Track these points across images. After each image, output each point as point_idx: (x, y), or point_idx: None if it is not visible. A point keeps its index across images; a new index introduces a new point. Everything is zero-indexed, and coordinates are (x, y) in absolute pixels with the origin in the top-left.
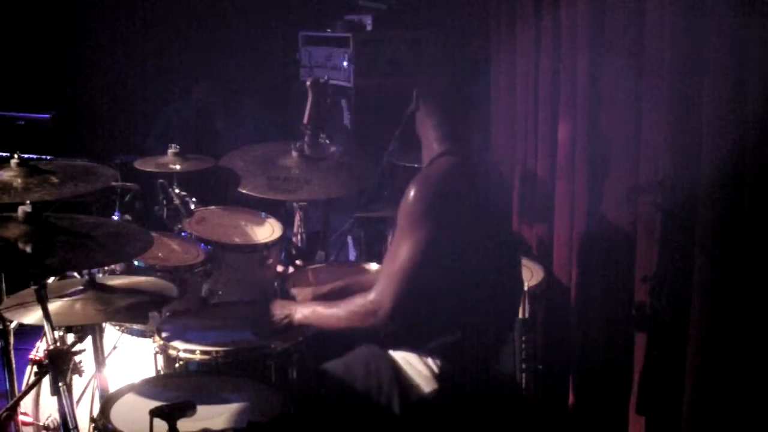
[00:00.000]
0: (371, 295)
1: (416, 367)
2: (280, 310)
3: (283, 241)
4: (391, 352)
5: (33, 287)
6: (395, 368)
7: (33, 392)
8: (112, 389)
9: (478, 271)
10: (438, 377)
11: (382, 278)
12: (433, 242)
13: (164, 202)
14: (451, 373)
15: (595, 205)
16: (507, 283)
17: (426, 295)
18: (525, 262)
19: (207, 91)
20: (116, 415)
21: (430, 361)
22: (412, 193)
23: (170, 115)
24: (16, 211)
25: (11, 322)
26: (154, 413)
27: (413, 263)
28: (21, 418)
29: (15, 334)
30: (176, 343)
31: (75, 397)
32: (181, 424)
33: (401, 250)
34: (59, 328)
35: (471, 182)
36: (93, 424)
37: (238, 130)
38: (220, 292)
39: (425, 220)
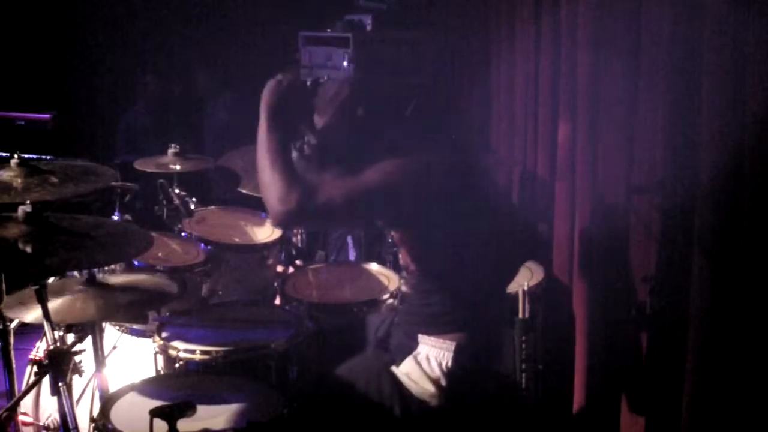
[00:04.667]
0: (307, 188)
1: (419, 382)
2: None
3: (283, 241)
4: (394, 368)
5: (33, 287)
6: (397, 382)
7: (33, 392)
8: (112, 389)
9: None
10: (444, 390)
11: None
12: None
13: (164, 202)
14: (455, 389)
15: (595, 205)
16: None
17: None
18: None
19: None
20: (116, 415)
21: (434, 375)
22: None
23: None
24: (16, 211)
25: (11, 321)
26: (154, 413)
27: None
28: (21, 418)
29: (15, 334)
30: (176, 343)
31: (75, 397)
32: (181, 424)
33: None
34: (59, 328)
35: None
36: (93, 424)
37: (235, 129)
38: (220, 292)
39: None
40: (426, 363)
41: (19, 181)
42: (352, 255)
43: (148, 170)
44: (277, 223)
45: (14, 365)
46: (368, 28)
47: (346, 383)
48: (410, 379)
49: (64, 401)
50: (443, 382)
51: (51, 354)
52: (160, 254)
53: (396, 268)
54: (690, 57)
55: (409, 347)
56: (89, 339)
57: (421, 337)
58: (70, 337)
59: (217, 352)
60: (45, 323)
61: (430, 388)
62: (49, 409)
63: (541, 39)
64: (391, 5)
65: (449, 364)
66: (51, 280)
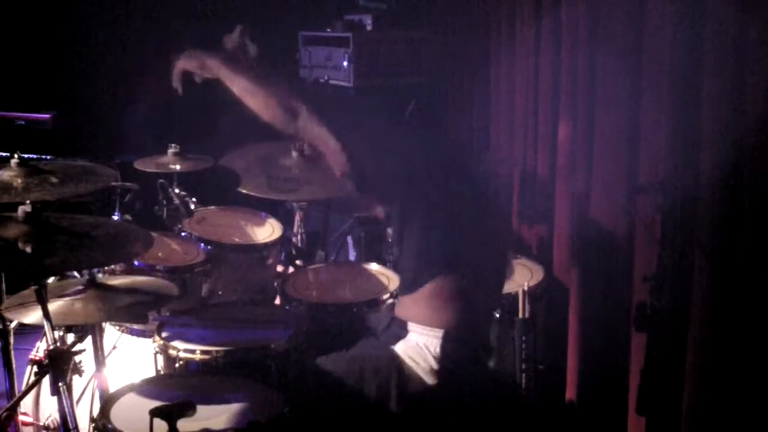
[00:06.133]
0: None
1: (416, 360)
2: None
3: (283, 241)
4: (393, 347)
5: (33, 287)
6: (397, 360)
7: (33, 392)
8: (112, 389)
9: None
10: (437, 372)
11: None
12: None
13: (164, 202)
14: (450, 368)
15: (595, 205)
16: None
17: None
18: (525, 262)
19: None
20: (116, 415)
21: (429, 356)
22: None
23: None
24: (16, 211)
25: (11, 321)
26: (154, 413)
27: None
28: (21, 418)
29: (15, 334)
30: (176, 343)
31: (75, 397)
32: (181, 424)
33: None
34: (59, 328)
35: None
36: (93, 424)
37: (234, 130)
38: (220, 292)
39: None
40: (417, 347)
41: (19, 181)
42: (352, 255)
43: (148, 170)
44: None
45: (14, 365)
46: (368, 28)
47: (347, 367)
48: (408, 357)
49: (64, 401)
50: (435, 366)
51: (51, 354)
52: (160, 254)
53: (396, 268)
54: (690, 57)
55: (400, 335)
56: (89, 339)
57: (411, 325)
58: (70, 337)
59: (217, 352)
60: (45, 323)
61: (425, 366)
62: (49, 409)
63: (541, 39)
64: (391, 5)
65: (437, 350)
66: (51, 280)
